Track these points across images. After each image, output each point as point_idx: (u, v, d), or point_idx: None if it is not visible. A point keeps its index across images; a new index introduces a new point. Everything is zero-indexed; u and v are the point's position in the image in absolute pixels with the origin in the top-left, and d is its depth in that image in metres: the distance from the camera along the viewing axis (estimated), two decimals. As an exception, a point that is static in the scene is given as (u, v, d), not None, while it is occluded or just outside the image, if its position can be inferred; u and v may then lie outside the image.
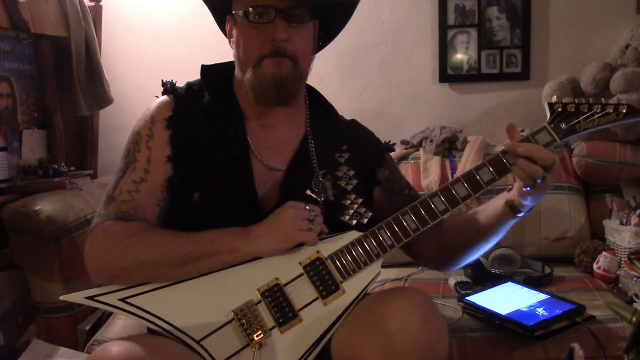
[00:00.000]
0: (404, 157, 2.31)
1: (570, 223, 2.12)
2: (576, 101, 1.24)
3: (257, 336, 1.14)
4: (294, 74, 1.21)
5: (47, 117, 2.22)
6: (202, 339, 1.14)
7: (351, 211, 1.28)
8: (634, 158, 2.14)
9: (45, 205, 1.83)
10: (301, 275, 1.18)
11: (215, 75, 1.32)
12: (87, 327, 1.83)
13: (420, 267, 2.08)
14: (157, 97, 1.32)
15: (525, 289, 1.73)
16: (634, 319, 1.53)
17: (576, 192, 2.18)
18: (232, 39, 1.28)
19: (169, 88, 1.31)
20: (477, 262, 1.92)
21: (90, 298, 1.15)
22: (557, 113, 1.24)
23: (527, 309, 1.58)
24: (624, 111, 1.23)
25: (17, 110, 2.10)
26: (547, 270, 1.94)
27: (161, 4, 2.59)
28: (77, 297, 1.16)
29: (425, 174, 2.22)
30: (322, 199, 1.25)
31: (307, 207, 1.17)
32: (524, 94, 2.48)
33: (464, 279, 1.89)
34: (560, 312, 1.54)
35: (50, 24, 2.14)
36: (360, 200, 1.29)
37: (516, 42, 2.46)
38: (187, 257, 1.15)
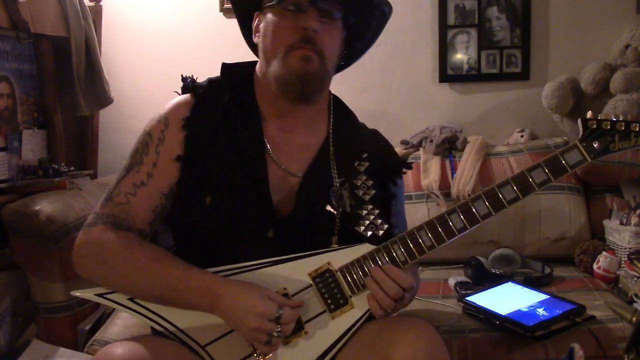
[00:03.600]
0: (404, 157, 2.31)
1: (570, 223, 2.12)
2: (613, 118, 1.15)
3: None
4: (320, 70, 1.19)
5: (47, 117, 2.22)
6: (207, 344, 1.13)
7: (367, 222, 1.20)
8: (634, 158, 2.14)
9: (45, 205, 1.83)
10: (310, 286, 1.15)
11: (235, 74, 1.29)
12: (87, 327, 1.83)
13: (420, 267, 2.08)
14: (178, 93, 1.29)
15: (525, 289, 1.73)
16: (634, 319, 1.53)
17: (576, 192, 2.18)
18: (257, 34, 1.25)
19: (189, 85, 1.28)
20: (477, 262, 1.92)
21: (100, 295, 1.16)
22: (590, 130, 1.15)
23: (527, 309, 1.58)
24: None
25: (17, 110, 2.10)
26: (547, 270, 1.94)
27: (161, 4, 2.58)
28: (88, 293, 1.17)
29: (425, 174, 2.22)
30: (340, 210, 1.21)
31: (276, 316, 1.06)
32: (524, 94, 2.48)
33: (464, 279, 1.89)
34: (561, 312, 1.54)
35: (50, 24, 2.14)
36: (377, 212, 1.22)
37: (516, 42, 2.45)
38: (155, 297, 1.14)
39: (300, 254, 1.16)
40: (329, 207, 1.21)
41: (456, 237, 1.15)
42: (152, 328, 1.19)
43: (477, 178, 2.14)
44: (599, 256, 1.95)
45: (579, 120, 1.18)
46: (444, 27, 2.48)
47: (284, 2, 1.18)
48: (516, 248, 2.07)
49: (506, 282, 1.80)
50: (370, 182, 1.25)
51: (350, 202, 1.22)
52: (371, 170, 1.26)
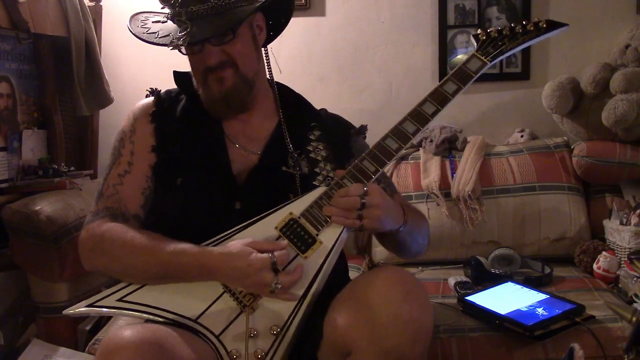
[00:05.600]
0: (403, 157, 2.31)
1: (570, 223, 2.12)
2: (498, 27, 1.36)
3: (248, 301, 1.19)
4: (238, 83, 1.30)
5: (47, 117, 2.22)
6: (199, 316, 1.19)
7: (322, 176, 1.35)
8: (634, 158, 2.14)
9: (45, 205, 1.83)
10: (279, 237, 1.23)
11: (188, 79, 1.38)
12: (87, 327, 1.83)
13: (420, 267, 2.09)
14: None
15: (525, 289, 1.73)
16: (634, 319, 1.53)
17: (576, 192, 2.18)
18: None
19: (149, 91, 1.43)
20: (477, 262, 1.92)
21: (91, 305, 1.22)
22: (482, 41, 1.34)
23: (526, 309, 1.58)
24: (544, 26, 1.32)
25: (17, 110, 2.10)
26: (547, 270, 1.94)
27: (161, 5, 2.58)
28: (79, 307, 1.22)
29: (425, 174, 2.22)
30: (298, 173, 1.32)
31: (272, 263, 1.16)
32: (524, 94, 2.47)
33: (464, 279, 1.89)
34: (560, 312, 1.54)
35: (50, 24, 2.14)
36: (330, 166, 1.36)
37: (516, 42, 2.46)
38: (155, 276, 1.22)
39: (262, 215, 1.25)
40: (284, 168, 1.32)
41: (395, 157, 1.28)
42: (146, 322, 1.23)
43: (477, 178, 2.14)
44: (599, 256, 1.95)
45: (471, 37, 1.37)
46: (444, 27, 2.48)
47: (182, 50, 1.29)
48: (516, 248, 2.07)
49: (506, 282, 1.80)
50: (322, 145, 1.39)
51: (308, 167, 1.35)
52: (323, 136, 1.41)
